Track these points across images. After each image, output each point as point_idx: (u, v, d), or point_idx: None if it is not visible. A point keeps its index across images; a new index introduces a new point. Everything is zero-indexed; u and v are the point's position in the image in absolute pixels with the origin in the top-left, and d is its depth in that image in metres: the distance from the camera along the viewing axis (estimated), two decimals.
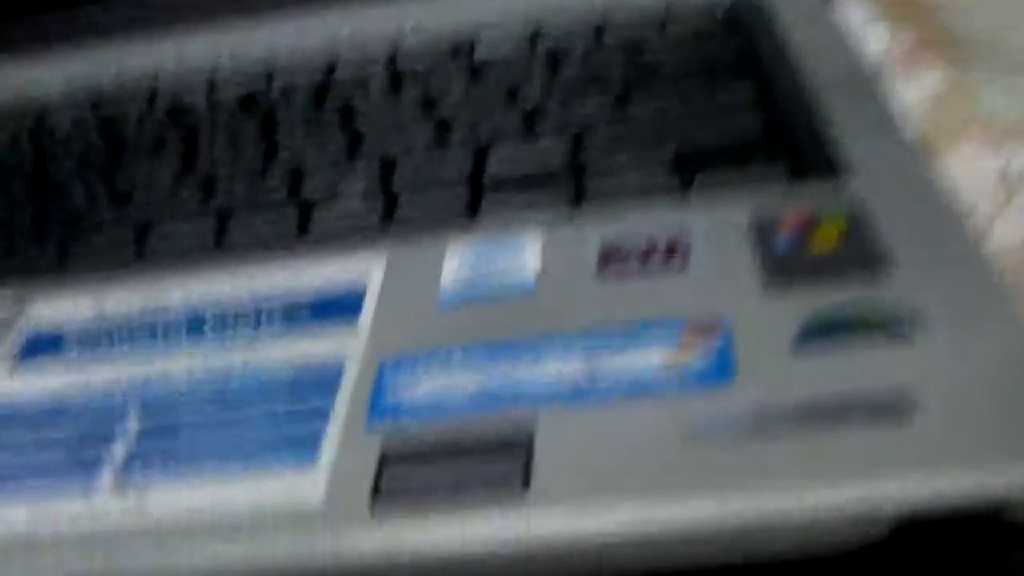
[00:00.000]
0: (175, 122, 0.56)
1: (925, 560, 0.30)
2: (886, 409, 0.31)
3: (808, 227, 0.38)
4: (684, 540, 0.30)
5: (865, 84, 0.47)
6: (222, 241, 0.46)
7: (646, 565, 0.30)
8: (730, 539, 0.29)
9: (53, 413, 0.37)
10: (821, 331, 0.34)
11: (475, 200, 0.44)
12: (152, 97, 0.59)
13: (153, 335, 0.40)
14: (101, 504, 0.33)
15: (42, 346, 0.40)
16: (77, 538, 0.32)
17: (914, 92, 0.55)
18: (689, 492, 0.30)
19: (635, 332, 0.35)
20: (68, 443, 0.35)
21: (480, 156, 0.47)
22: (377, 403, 0.34)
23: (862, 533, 0.29)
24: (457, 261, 0.40)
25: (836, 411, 0.31)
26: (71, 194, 0.51)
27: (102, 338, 0.40)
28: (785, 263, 0.37)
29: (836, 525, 0.29)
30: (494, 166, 0.46)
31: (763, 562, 0.30)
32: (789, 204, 0.40)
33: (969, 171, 0.50)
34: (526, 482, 0.30)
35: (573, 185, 0.44)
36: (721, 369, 0.33)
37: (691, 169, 0.43)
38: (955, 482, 0.29)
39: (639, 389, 0.33)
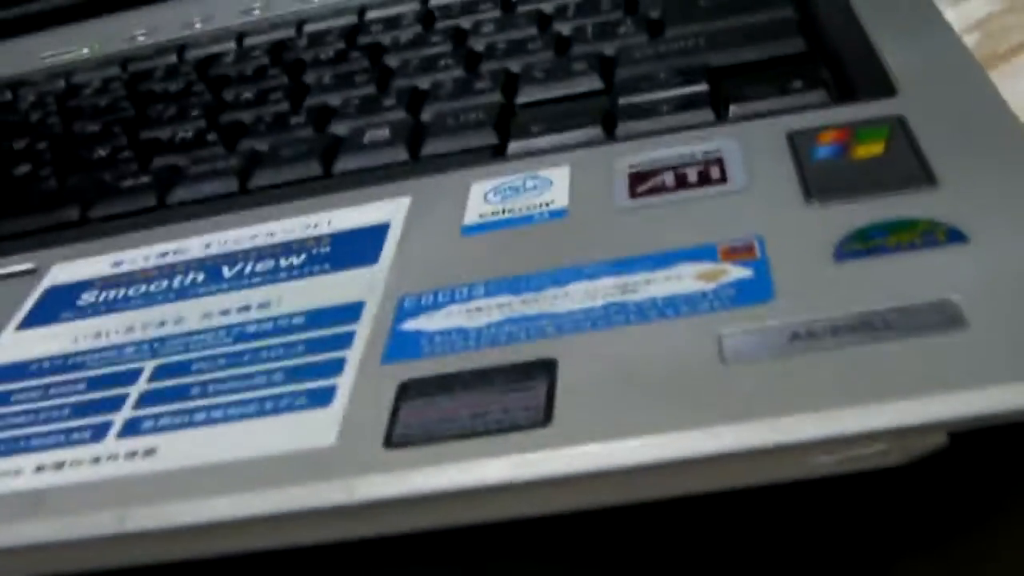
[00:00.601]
0: (203, 74, 0.55)
1: (978, 476, 0.28)
2: (935, 322, 0.28)
3: (850, 140, 0.36)
4: (726, 468, 0.27)
5: (916, 2, 0.44)
6: (246, 187, 0.44)
7: (683, 493, 0.28)
8: (774, 462, 0.27)
9: (63, 366, 0.36)
10: (863, 243, 0.32)
11: (504, 133, 0.43)
12: (181, 52, 0.58)
13: (170, 285, 0.38)
14: (110, 454, 0.31)
15: (57, 303, 0.39)
16: (85, 489, 0.31)
17: (968, 10, 0.53)
18: (728, 421, 0.27)
19: (668, 254, 0.33)
20: (77, 394, 0.34)
21: (510, 87, 0.45)
22: (396, 339, 0.33)
23: (914, 450, 0.27)
24: (484, 194, 0.39)
25: (882, 325, 0.29)
26: (95, 151, 0.50)
27: (118, 291, 0.39)
28: (825, 176, 0.35)
29: (885, 443, 0.27)
30: (524, 96, 0.44)
31: (811, 481, 0.28)
32: (831, 122, 0.38)
33: None
34: (548, 416, 0.28)
35: (605, 112, 0.42)
36: (758, 287, 0.31)
37: (727, 92, 0.41)
38: (1009, 395, 0.26)
39: (671, 312, 0.31)
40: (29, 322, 0.39)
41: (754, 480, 0.28)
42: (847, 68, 0.41)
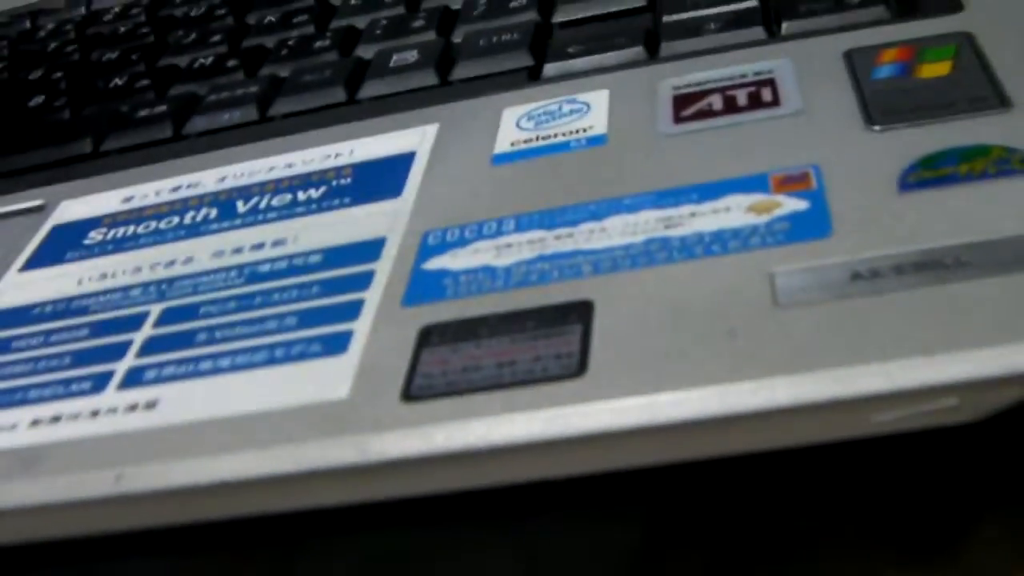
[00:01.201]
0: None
1: None
2: (1013, 259, 0.26)
3: (913, 59, 0.33)
4: (778, 424, 0.25)
5: None
6: (267, 116, 0.42)
7: (731, 452, 0.25)
8: (832, 418, 0.25)
9: (66, 311, 0.33)
10: (931, 172, 0.29)
11: (540, 55, 0.40)
12: None
13: (182, 221, 0.36)
14: (110, 407, 0.29)
15: (64, 242, 0.37)
16: (82, 446, 0.28)
17: None
18: (782, 372, 0.25)
19: (715, 185, 0.30)
20: (79, 341, 0.32)
21: (547, 5, 0.42)
22: (418, 279, 0.30)
23: (988, 405, 0.24)
24: (517, 120, 0.36)
25: (953, 263, 0.26)
26: (111, 80, 0.47)
27: (127, 229, 0.36)
28: (887, 98, 0.32)
29: (956, 398, 0.24)
30: (562, 14, 0.42)
31: (870, 439, 0.25)
32: (892, 40, 0.35)
33: None
34: (583, 365, 0.26)
35: (647, 31, 0.39)
36: (815, 221, 0.28)
37: (779, 8, 0.38)
38: None
39: (719, 248, 0.28)
40: (33, 263, 0.36)
41: (809, 438, 0.25)
42: None
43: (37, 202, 0.40)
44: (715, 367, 0.25)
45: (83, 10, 0.58)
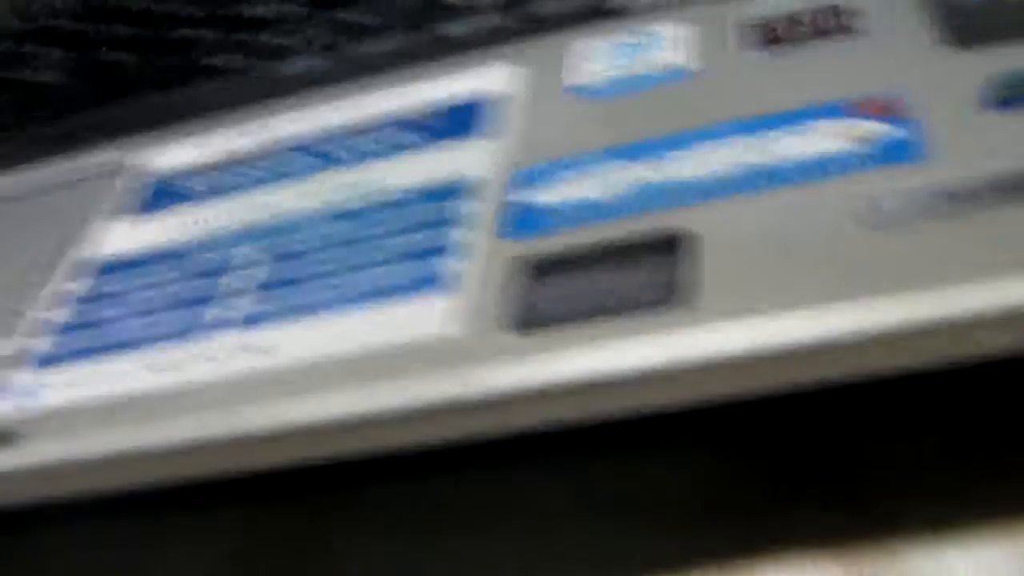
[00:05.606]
0: None
1: None
2: None
3: None
4: (882, 347, 0.25)
5: None
6: (343, 60, 0.42)
7: (843, 376, 0.26)
8: (938, 340, 0.25)
9: (164, 259, 0.34)
10: (1020, 90, 0.29)
11: None
12: None
13: (268, 166, 0.36)
14: (216, 350, 0.30)
15: (151, 193, 0.37)
16: (194, 389, 0.29)
17: None
18: (886, 291, 0.25)
19: (803, 111, 0.31)
20: (180, 289, 0.32)
21: None
22: (514, 214, 0.30)
23: None
24: (597, 54, 0.36)
25: None
26: (185, 31, 0.48)
27: (213, 177, 0.37)
28: (968, 19, 0.32)
29: None
30: None
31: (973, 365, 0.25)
32: None
33: None
34: (686, 293, 0.26)
35: None
36: (907, 143, 0.28)
37: None
38: None
39: (813, 174, 0.28)
40: (123, 213, 0.37)
41: (914, 361, 0.25)
42: None
43: (118, 155, 0.40)
44: (820, 290, 0.25)
45: None
